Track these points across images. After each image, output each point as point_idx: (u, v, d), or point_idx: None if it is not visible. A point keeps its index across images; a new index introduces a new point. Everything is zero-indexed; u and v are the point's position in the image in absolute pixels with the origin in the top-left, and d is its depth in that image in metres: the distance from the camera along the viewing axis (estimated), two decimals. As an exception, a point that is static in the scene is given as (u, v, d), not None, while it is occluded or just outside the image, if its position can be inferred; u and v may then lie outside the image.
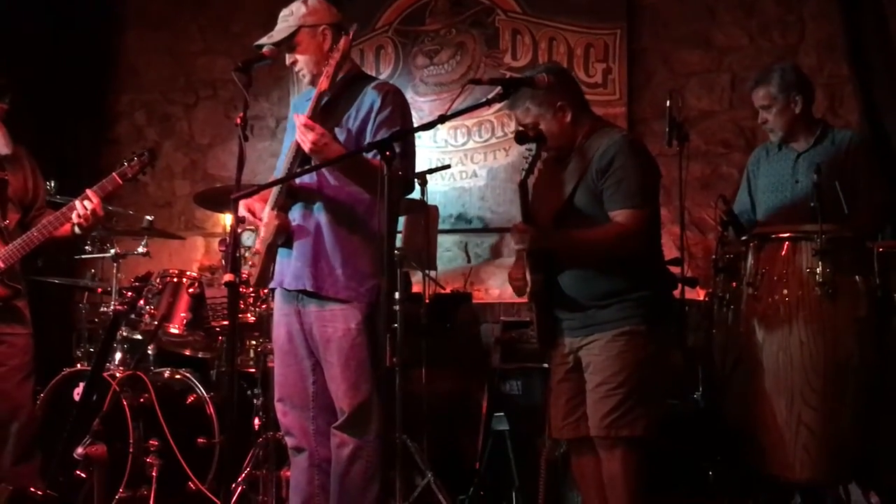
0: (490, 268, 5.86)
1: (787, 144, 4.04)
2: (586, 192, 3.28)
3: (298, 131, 3.05)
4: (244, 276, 3.29)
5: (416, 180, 4.62)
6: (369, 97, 3.23)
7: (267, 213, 3.21)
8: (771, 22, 5.50)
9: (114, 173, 3.85)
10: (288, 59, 3.33)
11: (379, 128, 3.17)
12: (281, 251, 3.26)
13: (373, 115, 3.20)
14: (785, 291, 3.49)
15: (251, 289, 4.35)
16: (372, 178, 3.03)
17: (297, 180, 3.20)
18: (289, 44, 3.29)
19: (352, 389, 3.15)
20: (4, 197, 3.86)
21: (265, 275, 3.25)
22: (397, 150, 2.71)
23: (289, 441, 3.34)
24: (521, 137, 3.31)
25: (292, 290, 3.25)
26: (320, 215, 3.21)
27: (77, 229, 3.82)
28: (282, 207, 3.20)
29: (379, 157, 2.76)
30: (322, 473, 3.25)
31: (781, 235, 3.59)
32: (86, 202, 3.74)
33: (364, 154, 3.07)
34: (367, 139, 3.17)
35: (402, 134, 3.11)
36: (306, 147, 3.03)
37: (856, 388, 3.42)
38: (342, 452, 3.16)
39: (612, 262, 3.25)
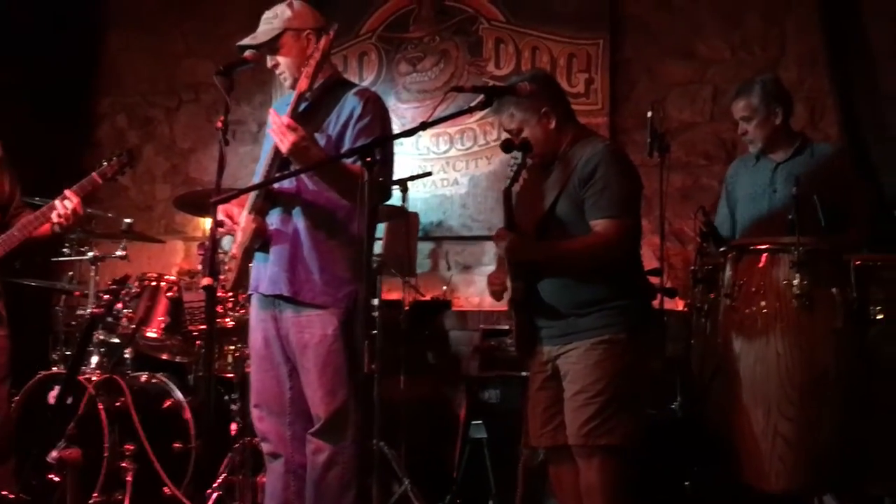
0: (470, 276, 5.86)
1: (765, 156, 4.07)
2: (568, 201, 3.28)
3: (278, 131, 3.03)
4: (222, 280, 3.26)
5: (394, 187, 4.65)
6: (350, 103, 3.22)
7: (244, 217, 3.20)
8: (753, 35, 5.53)
9: (93, 173, 3.84)
10: (269, 61, 3.31)
11: (358, 135, 3.16)
12: (258, 256, 3.24)
13: (352, 121, 3.19)
14: (762, 303, 3.51)
15: (230, 293, 4.33)
16: (350, 184, 3.03)
17: (276, 185, 3.19)
18: (272, 46, 3.28)
19: (328, 395, 3.13)
20: (-19, 196, 3.84)
21: (241, 279, 3.24)
22: (377, 156, 2.70)
23: (265, 447, 3.33)
24: (506, 146, 3.31)
25: (269, 296, 3.24)
26: (298, 220, 3.20)
27: (57, 228, 3.80)
28: (259, 211, 3.19)
29: (359, 162, 2.75)
30: (298, 479, 3.24)
31: (759, 247, 3.60)
32: (66, 202, 3.72)
33: (343, 160, 3.07)
34: (346, 146, 3.16)
35: (382, 140, 3.11)
36: (285, 148, 3.01)
37: (832, 400, 3.43)
38: (318, 459, 3.14)
39: (592, 270, 3.25)
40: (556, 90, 3.48)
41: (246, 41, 3.27)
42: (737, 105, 4.05)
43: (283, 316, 3.22)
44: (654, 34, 5.68)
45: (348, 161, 3.05)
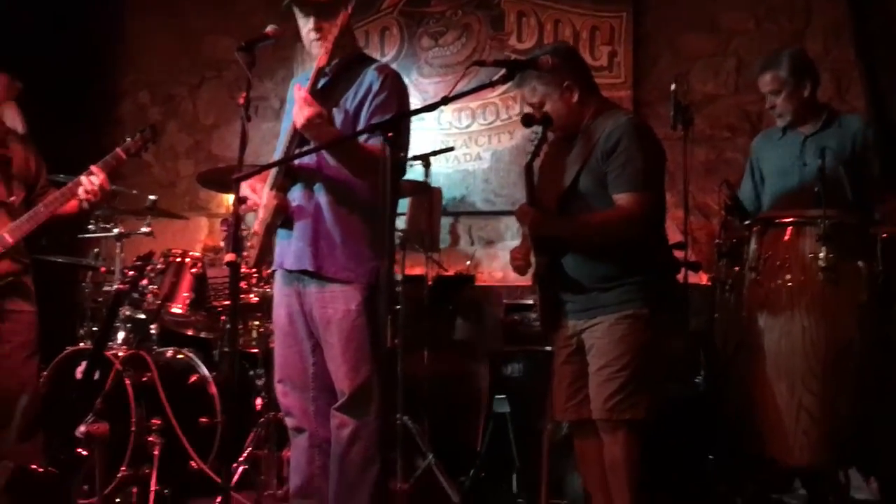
0: (493, 250, 5.86)
1: (792, 129, 4.03)
2: (591, 175, 3.27)
3: (297, 104, 3.02)
4: (245, 256, 3.27)
5: (417, 162, 4.66)
6: (368, 79, 3.19)
7: (266, 194, 3.20)
8: (778, 6, 5.47)
9: (117, 149, 3.86)
10: (314, 23, 3.19)
11: (374, 112, 3.13)
12: (281, 233, 3.24)
13: (369, 97, 3.16)
14: (787, 276, 3.48)
15: (254, 269, 4.35)
16: (362, 163, 3.04)
17: (297, 161, 3.18)
18: (329, 9, 3.16)
19: (352, 371, 3.14)
20: (9, 174, 3.86)
21: (263, 255, 3.24)
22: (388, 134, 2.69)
23: (289, 422, 3.34)
24: (527, 120, 3.30)
25: (293, 272, 3.24)
26: (320, 196, 3.19)
27: (85, 205, 3.83)
28: (280, 188, 3.18)
29: (373, 140, 2.73)
30: (322, 454, 3.25)
31: (785, 220, 3.58)
32: (92, 177, 3.74)
33: (357, 139, 3.05)
34: (362, 122, 3.14)
35: (401, 117, 3.09)
36: (300, 122, 3.00)
37: (857, 374, 3.42)
38: (342, 433, 3.16)
39: (616, 244, 3.24)
40: (579, 63, 3.45)
41: None
42: (763, 78, 4.00)
43: (307, 291, 3.22)
44: (678, 6, 5.64)
45: (362, 139, 3.05)
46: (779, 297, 3.50)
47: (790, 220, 3.56)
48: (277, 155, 3.27)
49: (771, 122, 4.21)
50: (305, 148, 3.10)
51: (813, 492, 3.95)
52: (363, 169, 3.08)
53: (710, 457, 4.03)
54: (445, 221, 5.69)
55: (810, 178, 3.79)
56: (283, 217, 3.19)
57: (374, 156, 2.99)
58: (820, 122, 3.97)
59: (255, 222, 3.23)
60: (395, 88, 3.20)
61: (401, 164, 3.30)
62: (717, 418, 4.00)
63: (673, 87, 4.28)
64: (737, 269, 3.82)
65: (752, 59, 5.05)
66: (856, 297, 3.43)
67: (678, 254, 4.01)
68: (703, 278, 4.64)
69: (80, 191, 3.74)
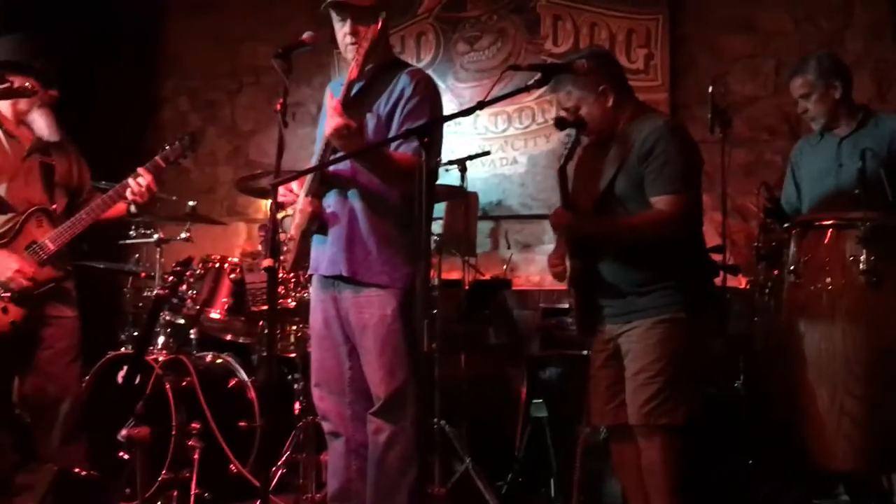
0: (530, 255, 5.85)
1: (829, 131, 4.00)
2: (627, 178, 3.26)
3: (328, 113, 3.03)
4: (282, 261, 3.29)
5: (453, 167, 4.67)
6: (401, 83, 3.20)
7: (301, 200, 3.23)
8: (817, 6, 5.41)
9: (157, 157, 3.92)
10: (350, 26, 3.19)
11: (406, 118, 3.14)
12: (318, 238, 3.26)
13: (402, 102, 3.17)
14: (828, 279, 3.44)
15: (291, 274, 4.38)
16: (392, 172, 3.06)
17: (332, 168, 3.20)
18: (369, 14, 3.19)
19: (387, 376, 3.15)
20: (52, 182, 3.92)
21: (300, 260, 3.26)
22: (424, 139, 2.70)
23: (325, 426, 3.35)
24: (560, 123, 3.30)
25: (329, 277, 3.26)
26: (355, 202, 3.20)
27: (132, 208, 3.89)
28: (315, 194, 3.20)
29: (402, 148, 2.72)
30: (359, 458, 3.26)
31: (825, 223, 3.53)
32: (139, 179, 3.80)
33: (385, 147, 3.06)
34: (394, 128, 3.15)
35: (435, 121, 3.10)
36: (328, 131, 3.01)
37: (899, 378, 3.37)
38: (379, 438, 3.17)
39: (652, 248, 3.22)
40: (614, 67, 3.45)
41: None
42: (794, 84, 4.00)
43: (343, 296, 3.24)
44: (715, 7, 5.59)
45: (393, 146, 3.05)
46: (819, 301, 3.46)
47: (830, 222, 3.51)
48: (314, 161, 3.29)
49: (810, 125, 4.17)
50: (338, 154, 3.12)
51: (856, 497, 3.90)
52: (392, 177, 3.10)
53: (750, 461, 4.00)
54: (482, 226, 5.69)
55: (848, 179, 3.75)
56: (317, 223, 3.21)
57: (404, 165, 3.01)
58: (855, 123, 3.94)
59: (291, 227, 3.26)
60: (427, 93, 3.20)
61: (434, 170, 3.30)
62: (757, 422, 3.97)
63: (710, 89, 4.26)
64: (776, 272, 3.79)
65: (791, 61, 4.96)
66: (898, 301, 3.38)
67: (716, 257, 3.99)
68: (741, 282, 4.61)
69: (128, 192, 3.80)
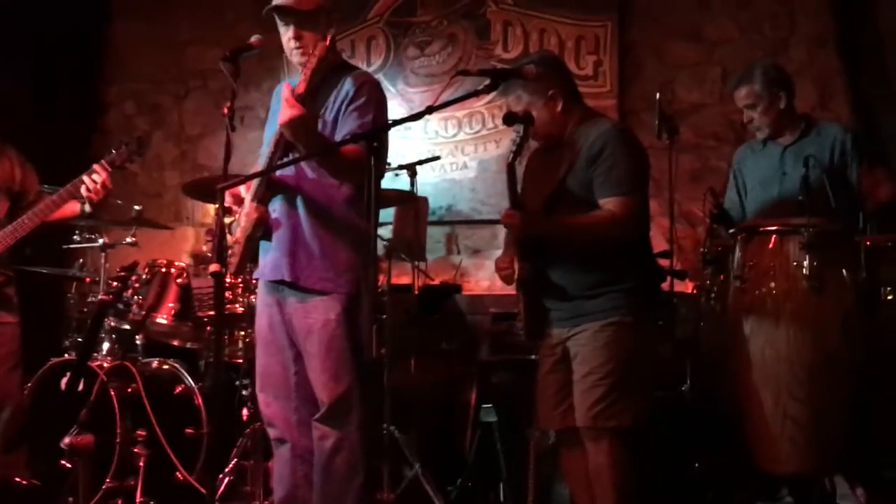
0: (480, 260, 5.87)
1: (772, 140, 4.05)
2: (576, 181, 3.27)
3: (284, 102, 2.99)
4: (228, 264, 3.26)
5: (403, 171, 4.67)
6: (346, 86, 3.19)
7: (247, 204, 3.20)
8: (762, 15, 5.50)
9: (103, 160, 3.86)
10: (293, 31, 3.19)
11: (349, 116, 3.14)
12: (262, 244, 3.24)
13: (346, 103, 3.16)
14: (772, 284, 3.50)
15: (239, 279, 4.34)
16: (341, 166, 3.05)
17: (278, 173, 3.18)
18: (309, 18, 3.17)
19: (332, 381, 3.13)
20: (-9, 186, 3.86)
21: (243, 264, 3.24)
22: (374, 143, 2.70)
23: (271, 432, 3.33)
24: (509, 118, 3.31)
25: (273, 282, 3.24)
26: (300, 208, 3.19)
27: (86, 207, 3.83)
28: (261, 200, 3.18)
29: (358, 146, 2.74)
30: (305, 464, 3.24)
31: (769, 229, 3.59)
32: (94, 175, 3.73)
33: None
34: (338, 128, 3.14)
35: (386, 126, 3.10)
36: (281, 119, 2.98)
37: (842, 382, 3.42)
38: (324, 444, 3.15)
39: (600, 252, 3.24)
40: (563, 72, 3.47)
41: (288, 2, 3.17)
42: (739, 93, 4.04)
43: (287, 301, 3.22)
44: (662, 15, 5.66)
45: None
46: (763, 306, 3.51)
47: (774, 228, 3.57)
48: (261, 164, 3.27)
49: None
50: (287, 159, 3.11)
51: (799, 499, 3.95)
52: (341, 171, 3.09)
53: (697, 465, 4.04)
54: (432, 231, 5.69)
55: (791, 187, 3.81)
56: (262, 229, 3.18)
57: (351, 157, 3.00)
58: (798, 132, 4.00)
59: (237, 231, 3.23)
60: (372, 95, 3.19)
61: (379, 173, 3.29)
62: (703, 426, 4.01)
63: (658, 96, 4.30)
64: (722, 277, 3.83)
65: (736, 68, 5.05)
66: (840, 306, 3.44)
67: (664, 262, 4.02)
68: (688, 286, 4.66)
69: (83, 190, 3.73)
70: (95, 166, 3.76)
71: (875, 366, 3.47)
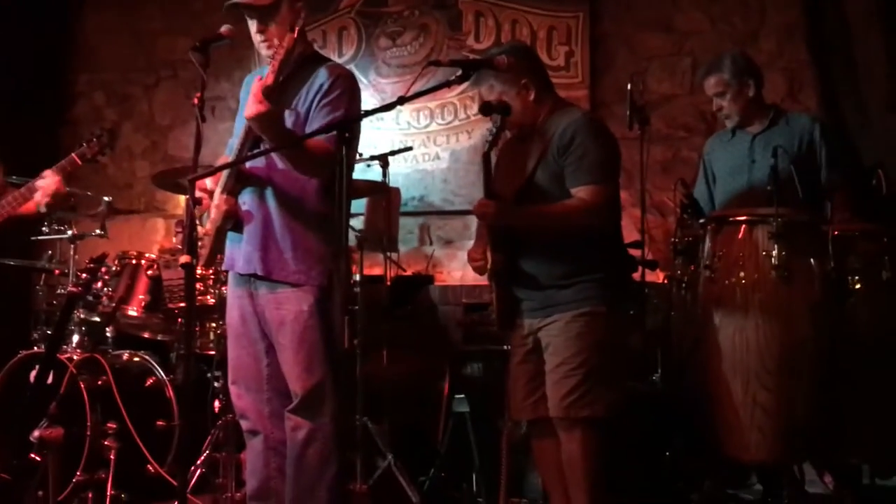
0: (452, 250, 5.87)
1: (741, 129, 4.08)
2: (547, 171, 3.28)
3: (252, 97, 2.97)
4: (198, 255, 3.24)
5: (375, 162, 4.66)
6: (320, 78, 3.17)
7: (217, 196, 3.18)
8: (732, 7, 5.54)
9: (73, 154, 3.83)
10: (257, 26, 3.18)
11: (322, 109, 3.12)
12: (233, 236, 3.22)
13: (319, 95, 3.14)
14: (741, 274, 3.52)
15: (210, 271, 4.32)
16: (308, 161, 3.03)
17: (248, 164, 3.16)
18: (270, 12, 3.15)
19: (305, 372, 3.12)
20: (-43, 177, 3.81)
21: (213, 257, 3.22)
22: (346, 134, 2.68)
23: (243, 424, 3.32)
24: (486, 107, 3.30)
25: (244, 274, 3.23)
26: (270, 200, 3.18)
27: (42, 209, 3.79)
28: (231, 192, 3.16)
29: (324, 136, 2.72)
30: (278, 456, 3.24)
31: (738, 218, 3.62)
32: (41, 182, 3.70)
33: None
34: (311, 120, 3.12)
35: (358, 117, 3.09)
36: (248, 112, 2.96)
37: (810, 370, 3.46)
38: (297, 435, 3.14)
39: (572, 242, 3.25)
40: (535, 62, 3.48)
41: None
42: (708, 82, 4.07)
43: (259, 293, 3.21)
44: (634, 6, 5.68)
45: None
46: (733, 295, 3.53)
47: (743, 218, 3.60)
48: (230, 154, 3.25)
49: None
50: (257, 151, 3.09)
51: (768, 487, 4.00)
52: (309, 166, 3.07)
53: (667, 453, 4.07)
54: (404, 221, 5.68)
55: (760, 176, 3.84)
56: (232, 221, 3.17)
57: (319, 152, 2.98)
58: (767, 121, 4.03)
59: (206, 222, 3.21)
60: (346, 87, 3.18)
61: (350, 163, 3.29)
62: (673, 415, 4.04)
63: (629, 86, 4.32)
64: (692, 267, 3.86)
65: (707, 60, 5.07)
66: (808, 295, 3.47)
67: (635, 252, 4.05)
68: (659, 276, 4.69)
69: (37, 194, 3.71)
70: (46, 172, 3.73)
71: (842, 354, 3.51)
